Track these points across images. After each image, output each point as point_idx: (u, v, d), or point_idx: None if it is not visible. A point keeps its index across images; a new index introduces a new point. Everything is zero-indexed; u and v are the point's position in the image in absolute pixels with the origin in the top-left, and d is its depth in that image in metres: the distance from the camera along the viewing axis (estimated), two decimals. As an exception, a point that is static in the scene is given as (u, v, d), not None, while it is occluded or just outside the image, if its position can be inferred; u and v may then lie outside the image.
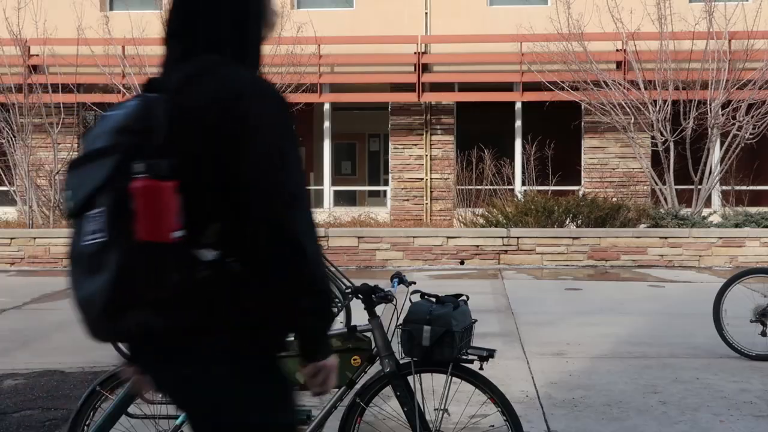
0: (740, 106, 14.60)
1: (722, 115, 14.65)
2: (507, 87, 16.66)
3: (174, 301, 1.91)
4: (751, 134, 14.64)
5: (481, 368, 3.46)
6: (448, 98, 16.85)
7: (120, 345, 7.05)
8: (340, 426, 3.56)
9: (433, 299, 3.49)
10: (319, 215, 16.37)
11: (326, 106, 17.38)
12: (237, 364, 2.01)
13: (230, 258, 1.98)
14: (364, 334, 3.49)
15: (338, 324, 5.95)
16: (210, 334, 1.97)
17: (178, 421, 3.62)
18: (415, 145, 17.04)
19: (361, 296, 3.47)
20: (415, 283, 3.69)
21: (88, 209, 1.89)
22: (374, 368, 3.57)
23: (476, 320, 3.61)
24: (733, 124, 14.68)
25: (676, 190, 14.70)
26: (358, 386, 3.58)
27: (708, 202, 15.64)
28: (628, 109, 14.90)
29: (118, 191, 1.86)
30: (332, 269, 6.59)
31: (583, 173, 16.82)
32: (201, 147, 1.94)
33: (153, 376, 2.06)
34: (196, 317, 1.95)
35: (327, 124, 17.50)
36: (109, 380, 3.57)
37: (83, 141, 2.03)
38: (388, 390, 3.56)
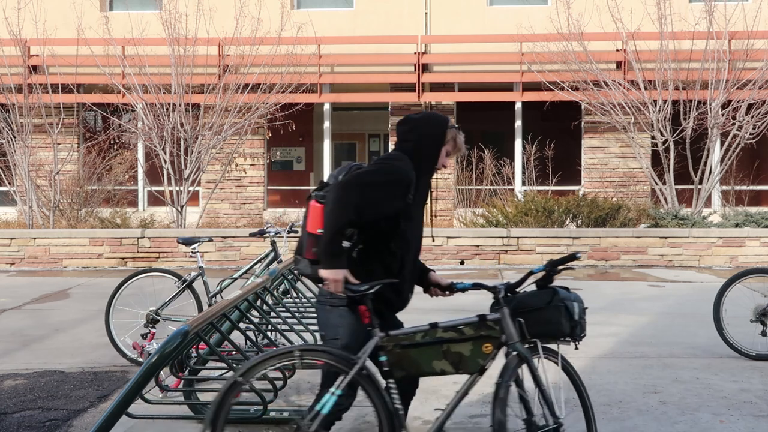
0: (740, 106, 14.59)
1: (722, 115, 14.65)
2: (507, 87, 16.66)
3: None
4: (751, 134, 14.64)
5: (576, 348, 3.94)
6: (448, 98, 16.85)
7: (119, 345, 7.01)
8: (492, 409, 3.62)
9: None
10: (319, 215, 16.35)
11: (326, 106, 17.38)
12: None
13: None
14: (494, 322, 3.75)
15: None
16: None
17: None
18: (415, 145, 17.01)
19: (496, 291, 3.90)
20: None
21: None
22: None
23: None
24: (733, 124, 14.68)
25: (676, 190, 14.70)
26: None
27: (708, 202, 15.64)
28: (628, 109, 14.90)
29: None
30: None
31: (583, 173, 16.82)
32: None
33: None
34: None
35: (327, 124, 17.50)
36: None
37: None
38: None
